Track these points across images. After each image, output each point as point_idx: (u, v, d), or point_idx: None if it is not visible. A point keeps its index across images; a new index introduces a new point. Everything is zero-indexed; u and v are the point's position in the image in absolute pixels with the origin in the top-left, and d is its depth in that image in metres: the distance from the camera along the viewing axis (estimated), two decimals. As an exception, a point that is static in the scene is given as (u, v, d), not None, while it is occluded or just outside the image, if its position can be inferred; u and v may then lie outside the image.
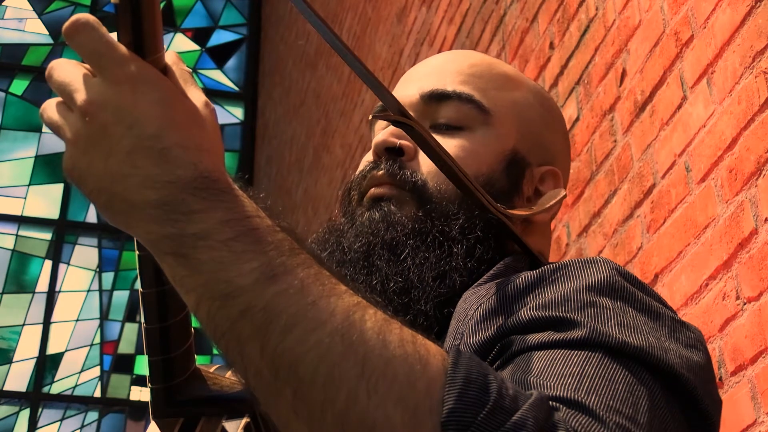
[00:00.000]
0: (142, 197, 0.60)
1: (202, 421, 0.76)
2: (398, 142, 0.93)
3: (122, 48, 0.62)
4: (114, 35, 0.63)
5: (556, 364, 0.66)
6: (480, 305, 0.76)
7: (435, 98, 0.96)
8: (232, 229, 0.60)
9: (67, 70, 0.63)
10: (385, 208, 0.91)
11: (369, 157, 0.97)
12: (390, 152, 0.94)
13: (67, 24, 0.62)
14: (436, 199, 0.90)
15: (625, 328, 0.70)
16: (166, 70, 0.65)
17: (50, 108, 0.64)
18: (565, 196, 0.95)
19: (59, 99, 0.64)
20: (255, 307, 0.59)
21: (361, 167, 0.97)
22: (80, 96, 0.61)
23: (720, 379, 1.56)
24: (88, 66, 0.63)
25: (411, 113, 0.88)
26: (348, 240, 0.91)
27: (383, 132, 0.96)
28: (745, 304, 1.51)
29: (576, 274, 0.75)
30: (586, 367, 0.66)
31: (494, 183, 0.92)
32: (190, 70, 0.67)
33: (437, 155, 0.82)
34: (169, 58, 0.66)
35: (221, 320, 0.60)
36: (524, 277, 0.77)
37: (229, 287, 0.59)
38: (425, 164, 0.93)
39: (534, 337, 0.69)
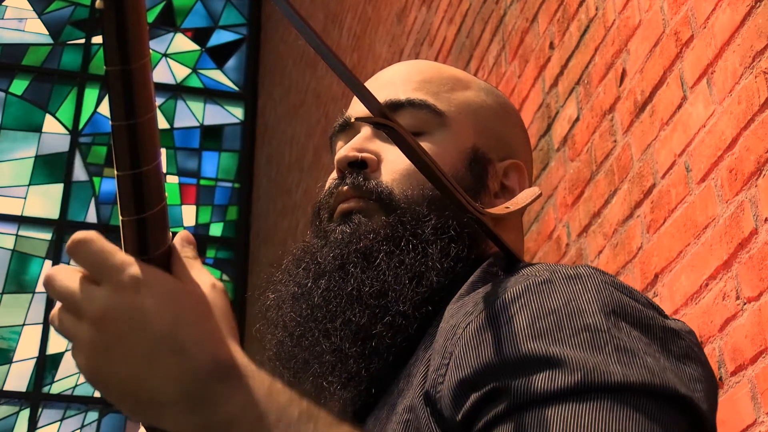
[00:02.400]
0: (165, 395, 0.62)
1: None
2: (360, 155, 0.95)
3: (120, 254, 0.63)
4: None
5: (571, 427, 0.65)
6: (469, 323, 0.76)
7: (390, 108, 0.97)
8: (255, 413, 0.62)
9: (67, 280, 0.64)
10: (355, 221, 0.92)
11: (334, 175, 0.98)
12: (353, 166, 0.95)
13: (68, 243, 0.63)
14: (404, 204, 0.91)
15: (623, 353, 0.70)
16: (170, 251, 0.66)
17: (58, 317, 0.65)
18: (540, 195, 0.96)
19: (68, 313, 0.65)
20: None
21: (326, 185, 0.98)
22: (87, 307, 0.63)
23: (720, 379, 1.56)
24: (84, 272, 0.64)
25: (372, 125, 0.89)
26: (322, 254, 0.92)
27: (344, 148, 0.97)
28: (745, 304, 1.51)
29: (564, 290, 0.74)
30: (599, 423, 0.65)
31: (460, 182, 0.93)
32: (196, 254, 0.68)
33: (418, 156, 0.83)
34: (178, 241, 0.68)
35: None
36: (511, 289, 0.76)
37: None
38: (389, 172, 0.94)
39: (535, 386, 0.68)
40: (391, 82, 1.00)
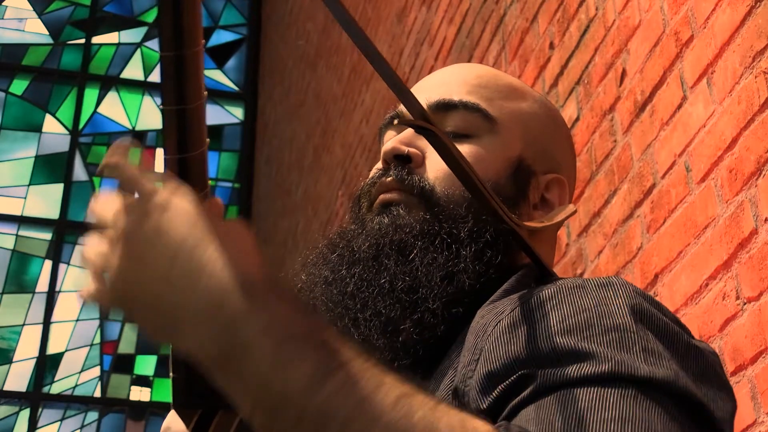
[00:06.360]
0: (184, 312, 0.62)
1: (220, 412, 0.77)
2: (407, 149, 0.96)
3: (153, 172, 0.66)
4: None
5: (594, 408, 0.66)
6: (500, 321, 0.77)
7: (442, 108, 0.98)
8: (278, 334, 0.61)
9: (107, 201, 0.66)
10: (394, 212, 0.93)
11: (379, 165, 0.99)
12: (398, 159, 0.96)
13: (113, 148, 0.66)
14: (444, 202, 0.92)
15: (649, 354, 0.70)
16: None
17: (91, 251, 0.67)
18: (575, 212, 0.96)
19: (100, 243, 0.67)
20: (310, 411, 0.60)
21: (371, 174, 0.99)
22: (119, 225, 0.65)
23: (720, 379, 1.56)
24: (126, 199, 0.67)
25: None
26: (358, 243, 0.93)
27: (392, 140, 0.97)
28: (745, 304, 1.51)
29: (595, 294, 0.75)
30: (623, 409, 0.66)
31: (500, 190, 0.93)
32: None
33: (456, 163, 0.84)
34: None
35: (279, 426, 0.61)
36: (543, 291, 0.77)
37: (282, 393, 0.61)
38: (433, 170, 0.95)
39: (562, 372, 0.69)
40: (447, 82, 1.01)
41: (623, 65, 2.01)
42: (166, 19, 0.63)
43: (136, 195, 0.65)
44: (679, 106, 1.77)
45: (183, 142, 0.66)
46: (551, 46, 2.37)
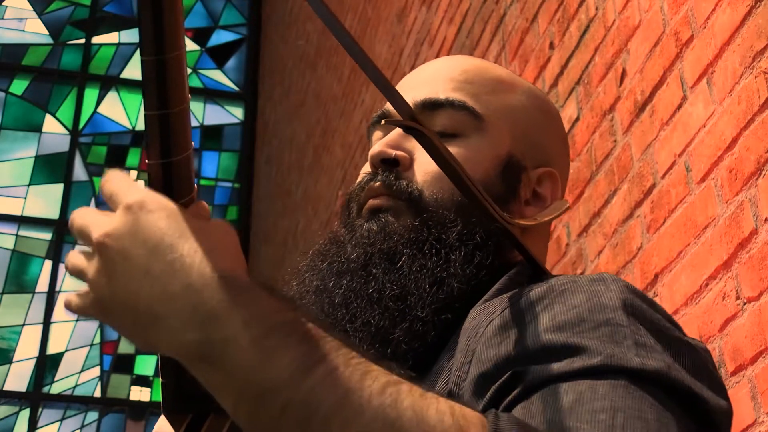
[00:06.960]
0: (164, 308, 0.62)
1: (210, 416, 0.77)
2: (394, 153, 0.94)
3: (131, 181, 0.66)
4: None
5: (585, 399, 0.65)
6: (491, 321, 0.76)
7: (428, 107, 0.96)
8: (259, 327, 0.61)
9: (86, 214, 0.67)
10: (383, 219, 0.92)
11: (367, 168, 0.98)
12: (386, 163, 0.95)
13: (101, 181, 0.68)
14: (432, 207, 0.91)
15: (641, 347, 0.70)
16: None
17: (74, 256, 0.67)
18: (568, 208, 0.95)
19: (83, 249, 0.67)
20: (294, 402, 0.60)
21: (359, 179, 0.98)
22: (96, 232, 0.65)
23: (720, 379, 1.56)
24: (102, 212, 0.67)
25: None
26: (347, 251, 0.92)
27: (379, 143, 0.96)
28: (745, 304, 1.52)
29: (587, 289, 0.75)
30: (615, 399, 0.65)
31: (490, 188, 0.92)
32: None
33: (447, 163, 0.83)
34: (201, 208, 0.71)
35: (263, 419, 0.61)
36: (535, 290, 0.77)
37: (266, 385, 0.60)
38: (421, 173, 0.94)
39: (553, 368, 0.68)
40: (433, 79, 1.00)
41: (623, 65, 2.01)
42: (146, 23, 0.63)
43: (117, 197, 0.66)
44: (679, 106, 1.77)
45: (167, 147, 0.66)
46: (551, 46, 2.37)
